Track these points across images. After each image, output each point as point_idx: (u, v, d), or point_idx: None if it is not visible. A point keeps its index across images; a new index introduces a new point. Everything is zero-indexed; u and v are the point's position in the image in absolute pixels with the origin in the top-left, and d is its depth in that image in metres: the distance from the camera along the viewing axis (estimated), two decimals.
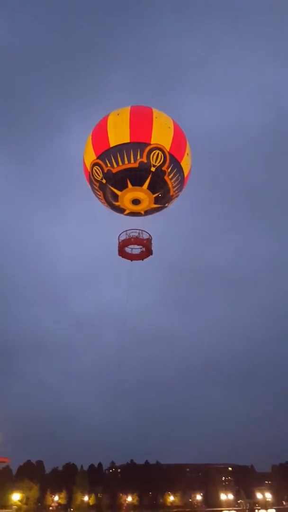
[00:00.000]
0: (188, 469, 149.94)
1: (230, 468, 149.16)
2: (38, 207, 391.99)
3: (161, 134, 25.35)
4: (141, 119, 25.68)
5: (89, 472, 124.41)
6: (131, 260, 29.22)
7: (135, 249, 28.84)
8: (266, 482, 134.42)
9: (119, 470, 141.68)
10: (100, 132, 26.19)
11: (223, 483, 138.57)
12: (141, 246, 28.45)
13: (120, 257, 28.90)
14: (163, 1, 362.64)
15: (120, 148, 25.01)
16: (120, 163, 25.17)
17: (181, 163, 26.37)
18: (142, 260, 29.28)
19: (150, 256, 28.98)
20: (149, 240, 28.31)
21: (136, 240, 28.07)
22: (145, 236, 28.28)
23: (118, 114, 26.15)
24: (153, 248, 28.69)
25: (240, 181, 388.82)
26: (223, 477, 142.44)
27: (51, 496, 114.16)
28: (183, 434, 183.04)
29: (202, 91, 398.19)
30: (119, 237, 28.37)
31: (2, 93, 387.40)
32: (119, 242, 28.29)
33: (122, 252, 28.55)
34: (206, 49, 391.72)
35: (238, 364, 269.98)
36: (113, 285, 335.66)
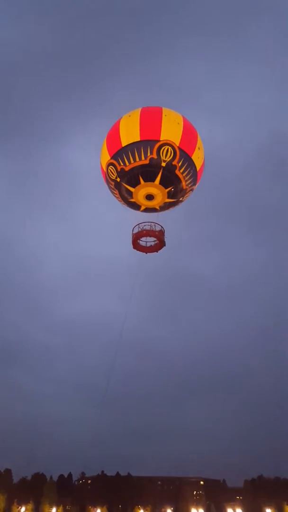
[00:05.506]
0: (159, 482, 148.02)
1: (201, 482, 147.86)
2: (33, 211, 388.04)
3: (170, 130, 26.29)
4: (150, 118, 26.78)
5: (58, 482, 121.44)
6: (146, 253, 29.67)
7: (149, 242, 29.44)
8: (238, 497, 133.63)
9: (89, 481, 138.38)
10: (113, 134, 27.60)
11: (194, 497, 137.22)
12: (154, 239, 28.97)
13: (135, 250, 29.42)
14: (169, 23, 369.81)
15: (131, 147, 26.07)
16: (132, 161, 26.18)
17: (192, 157, 27.12)
18: (157, 252, 29.64)
19: (164, 247, 29.41)
20: (161, 232, 28.93)
21: (148, 232, 28.67)
22: (158, 228, 28.85)
23: (129, 116, 27.61)
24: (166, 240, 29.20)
25: (231, 194, 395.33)
26: (194, 491, 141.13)
27: (18, 507, 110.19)
28: (155, 446, 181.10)
29: (200, 110, 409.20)
30: (132, 230, 29.02)
31: (3, 98, 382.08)
32: (133, 235, 28.91)
33: (136, 245, 29.22)
34: (206, 70, 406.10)
35: (213, 378, 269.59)
36: (99, 292, 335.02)
